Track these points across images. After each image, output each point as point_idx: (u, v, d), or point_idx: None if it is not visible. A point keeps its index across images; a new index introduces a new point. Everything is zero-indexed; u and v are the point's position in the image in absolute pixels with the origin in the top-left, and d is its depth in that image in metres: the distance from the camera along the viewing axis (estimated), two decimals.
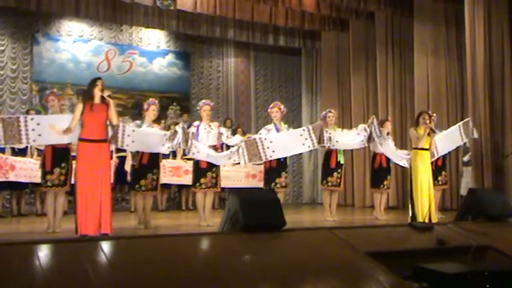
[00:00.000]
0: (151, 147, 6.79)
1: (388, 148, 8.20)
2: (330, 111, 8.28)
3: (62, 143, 6.21)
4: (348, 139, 7.97)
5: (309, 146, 7.41)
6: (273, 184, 7.50)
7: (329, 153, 8.07)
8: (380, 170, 8.38)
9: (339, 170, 8.03)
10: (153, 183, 6.88)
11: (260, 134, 7.64)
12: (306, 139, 7.36)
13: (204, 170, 7.09)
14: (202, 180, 7.08)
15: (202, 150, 7.06)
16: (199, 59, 13.43)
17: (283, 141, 7.40)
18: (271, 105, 7.96)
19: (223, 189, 10.49)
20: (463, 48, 9.70)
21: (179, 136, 6.84)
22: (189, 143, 6.88)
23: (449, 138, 8.20)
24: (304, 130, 7.53)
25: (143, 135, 6.68)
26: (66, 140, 6.08)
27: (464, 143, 8.66)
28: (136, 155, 7.00)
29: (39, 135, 6.01)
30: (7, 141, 6.01)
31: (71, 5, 10.54)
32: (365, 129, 7.93)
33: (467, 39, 9.22)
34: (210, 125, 7.25)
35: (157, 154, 6.97)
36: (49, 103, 6.80)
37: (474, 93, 9.05)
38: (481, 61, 8.94)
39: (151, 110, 7.07)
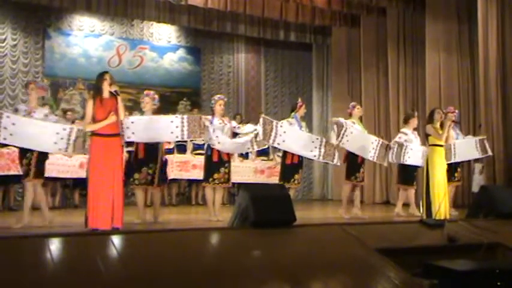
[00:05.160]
0: (156, 137, 6.47)
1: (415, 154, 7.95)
2: (357, 107, 8.02)
3: (34, 148, 6.03)
4: (362, 144, 7.69)
5: (314, 156, 7.44)
6: (292, 180, 7.44)
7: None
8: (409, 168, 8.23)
9: (362, 165, 7.84)
10: (147, 177, 6.62)
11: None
12: (316, 147, 7.42)
13: (217, 165, 6.97)
14: (215, 176, 6.96)
15: (227, 142, 6.98)
16: (209, 54, 13.44)
17: (297, 137, 7.39)
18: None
19: (232, 184, 10.56)
20: (475, 45, 9.63)
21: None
22: (210, 135, 6.84)
23: (466, 148, 8.11)
24: (317, 139, 7.52)
25: (144, 124, 6.35)
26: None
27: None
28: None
29: (11, 134, 5.82)
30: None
31: (82, 0, 10.59)
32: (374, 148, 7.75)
33: (479, 35, 9.14)
34: (223, 120, 7.15)
35: (156, 147, 6.70)
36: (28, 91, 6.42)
37: (486, 90, 8.98)
38: (493, 57, 8.87)
39: (146, 102, 6.81)
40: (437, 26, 10.41)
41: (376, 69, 12.07)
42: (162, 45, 12.79)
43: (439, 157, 7.15)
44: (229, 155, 7.15)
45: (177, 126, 6.46)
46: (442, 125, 7.36)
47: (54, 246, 3.76)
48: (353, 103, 8.12)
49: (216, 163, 6.96)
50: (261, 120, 7.13)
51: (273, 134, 7.11)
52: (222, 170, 6.99)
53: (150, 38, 12.68)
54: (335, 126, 7.44)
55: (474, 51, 9.98)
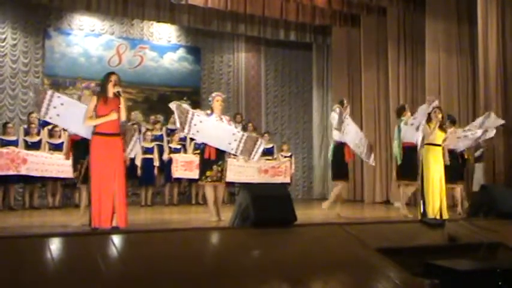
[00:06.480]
0: (81, 130, 5.91)
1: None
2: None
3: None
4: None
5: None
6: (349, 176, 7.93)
7: (411, 148, 7.61)
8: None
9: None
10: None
11: None
12: (362, 145, 7.67)
13: (209, 162, 6.76)
14: (208, 173, 6.77)
15: (205, 131, 6.67)
16: (210, 53, 13.43)
17: (355, 133, 7.66)
18: None
19: (233, 183, 10.54)
20: (475, 45, 9.62)
21: (176, 118, 6.52)
22: (188, 122, 6.54)
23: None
24: (365, 138, 7.80)
25: (72, 111, 5.84)
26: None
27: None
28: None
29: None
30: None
31: (82, 0, 10.59)
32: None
33: (479, 35, 9.13)
34: (221, 118, 6.98)
35: (86, 142, 5.94)
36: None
37: (486, 90, 8.97)
38: (493, 57, 8.86)
39: (86, 95, 6.47)
40: (438, 26, 10.40)
41: (376, 68, 12.07)
42: (162, 45, 12.78)
43: (433, 156, 7.12)
44: (223, 153, 6.91)
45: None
46: (441, 124, 7.35)
47: (55, 246, 3.76)
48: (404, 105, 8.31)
49: (208, 160, 6.77)
50: (337, 109, 7.47)
51: (343, 124, 7.39)
52: (215, 167, 6.78)
53: (150, 38, 12.68)
54: (337, 111, 7.55)
55: (474, 51, 9.96)
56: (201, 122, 6.65)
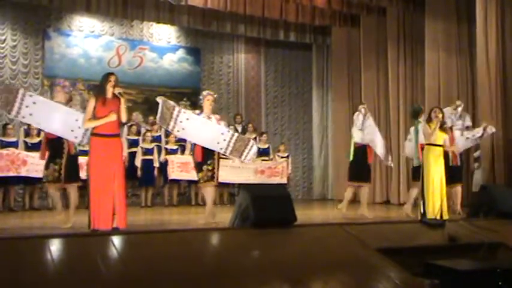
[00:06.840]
0: (54, 128, 6.01)
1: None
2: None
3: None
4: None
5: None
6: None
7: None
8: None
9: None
10: (54, 174, 6.14)
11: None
12: (382, 146, 7.70)
13: (199, 164, 6.72)
14: (200, 175, 6.72)
15: (191, 129, 6.57)
16: (209, 54, 13.43)
17: (378, 134, 7.73)
18: None
19: (233, 184, 10.55)
20: (475, 44, 9.62)
21: (159, 110, 6.42)
22: (173, 119, 6.44)
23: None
24: (383, 140, 7.85)
25: (45, 109, 5.90)
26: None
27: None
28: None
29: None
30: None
31: (82, 1, 10.58)
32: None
33: (478, 35, 9.14)
34: (209, 117, 6.83)
35: (61, 141, 6.13)
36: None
37: (486, 89, 8.98)
38: (493, 57, 8.87)
39: (57, 91, 6.42)
40: (437, 26, 10.41)
41: (376, 69, 12.07)
42: (162, 46, 12.79)
43: (433, 156, 7.11)
44: (212, 152, 6.76)
45: (76, 120, 5.96)
46: (442, 125, 7.34)
47: (55, 247, 3.77)
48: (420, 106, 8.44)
49: (198, 162, 6.73)
50: (362, 110, 7.67)
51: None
52: (205, 168, 6.70)
53: (150, 39, 12.68)
54: (362, 111, 7.66)
55: (473, 51, 9.97)
56: (187, 119, 6.56)
